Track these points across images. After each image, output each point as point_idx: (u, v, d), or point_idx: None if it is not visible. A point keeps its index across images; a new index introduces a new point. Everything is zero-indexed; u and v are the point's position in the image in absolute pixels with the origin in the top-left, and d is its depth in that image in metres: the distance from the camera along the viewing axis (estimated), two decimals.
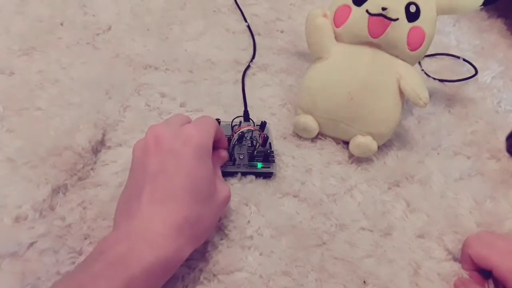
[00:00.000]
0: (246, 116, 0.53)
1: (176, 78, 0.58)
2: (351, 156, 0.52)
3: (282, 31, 0.70)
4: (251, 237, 0.42)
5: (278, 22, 0.71)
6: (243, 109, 0.55)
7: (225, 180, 0.45)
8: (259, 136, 0.48)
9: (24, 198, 0.41)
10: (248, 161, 0.47)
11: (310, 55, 0.53)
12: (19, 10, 0.62)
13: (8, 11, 0.61)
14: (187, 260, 0.39)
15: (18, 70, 0.54)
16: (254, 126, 0.50)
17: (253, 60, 0.63)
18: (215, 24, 0.68)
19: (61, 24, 0.61)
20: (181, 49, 0.62)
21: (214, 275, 0.39)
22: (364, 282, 0.41)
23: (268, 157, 0.48)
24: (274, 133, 0.53)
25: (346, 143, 0.52)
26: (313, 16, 0.50)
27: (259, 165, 0.47)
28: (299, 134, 0.53)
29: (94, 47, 0.60)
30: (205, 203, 0.36)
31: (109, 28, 0.63)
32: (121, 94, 0.54)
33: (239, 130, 0.47)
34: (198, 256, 0.40)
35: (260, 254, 0.41)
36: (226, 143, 0.45)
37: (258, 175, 0.47)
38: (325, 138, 0.53)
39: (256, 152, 0.47)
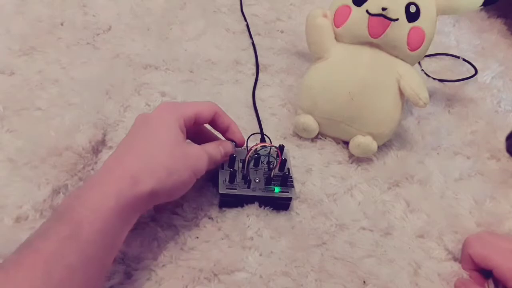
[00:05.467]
0: (262, 139, 0.50)
1: (176, 78, 0.58)
2: (351, 156, 0.52)
3: (282, 31, 0.70)
4: (251, 238, 0.42)
5: (278, 22, 0.71)
6: (243, 109, 0.55)
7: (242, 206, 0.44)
8: (276, 155, 0.45)
9: (24, 198, 0.41)
10: (265, 185, 0.44)
11: (310, 55, 0.53)
12: (19, 10, 0.62)
13: (8, 11, 0.61)
14: (187, 260, 0.40)
15: (18, 70, 0.54)
16: (271, 148, 0.46)
17: (257, 63, 0.63)
18: (215, 24, 0.68)
19: (61, 24, 0.61)
20: (181, 49, 0.62)
21: (215, 275, 0.39)
22: (364, 282, 0.41)
23: (286, 181, 0.44)
24: (274, 133, 0.53)
25: (346, 143, 0.52)
26: (313, 16, 0.50)
27: (277, 189, 0.44)
28: (299, 134, 0.53)
29: (94, 47, 0.60)
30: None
31: (109, 28, 0.63)
32: (121, 94, 0.54)
33: (254, 147, 0.44)
34: (198, 256, 0.40)
35: (260, 255, 0.41)
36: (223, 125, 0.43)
37: (275, 201, 0.44)
38: (325, 138, 0.53)
39: (274, 175, 0.44)
